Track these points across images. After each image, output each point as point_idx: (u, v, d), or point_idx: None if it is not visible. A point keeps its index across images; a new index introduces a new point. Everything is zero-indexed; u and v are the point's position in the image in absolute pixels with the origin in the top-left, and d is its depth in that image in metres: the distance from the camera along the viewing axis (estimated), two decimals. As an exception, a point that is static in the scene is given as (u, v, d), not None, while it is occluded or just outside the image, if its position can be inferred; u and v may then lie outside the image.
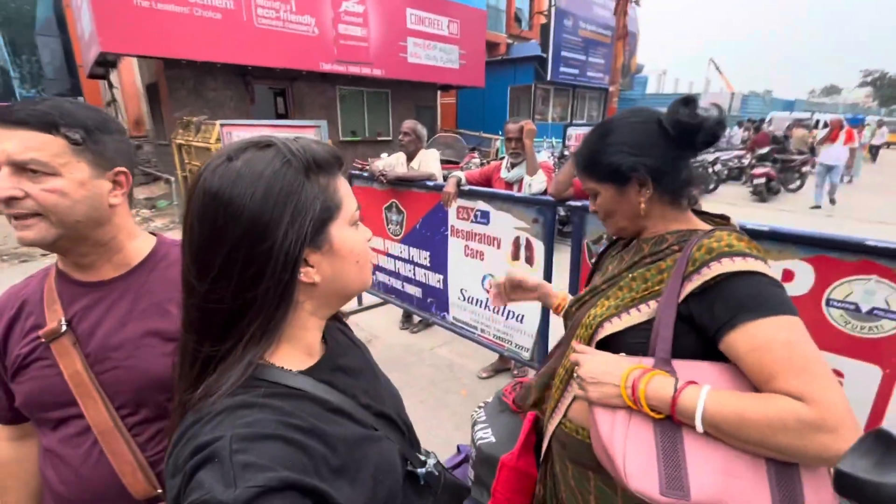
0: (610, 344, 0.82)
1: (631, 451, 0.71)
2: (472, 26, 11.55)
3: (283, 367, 0.52)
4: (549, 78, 13.83)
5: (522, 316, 2.57)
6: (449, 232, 2.83)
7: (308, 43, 8.68)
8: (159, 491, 0.76)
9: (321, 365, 0.57)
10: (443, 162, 3.75)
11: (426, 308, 3.18)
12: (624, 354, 0.79)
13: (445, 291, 2.99)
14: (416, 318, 3.67)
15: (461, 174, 2.76)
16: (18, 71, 12.06)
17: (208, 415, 0.45)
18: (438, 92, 13.07)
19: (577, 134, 8.93)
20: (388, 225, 3.30)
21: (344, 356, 0.62)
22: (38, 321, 0.76)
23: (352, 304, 3.94)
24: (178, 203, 7.97)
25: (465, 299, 2.88)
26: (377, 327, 3.73)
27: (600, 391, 0.76)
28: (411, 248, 3.17)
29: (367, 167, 3.41)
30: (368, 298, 3.91)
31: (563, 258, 2.35)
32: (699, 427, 0.67)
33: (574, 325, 0.98)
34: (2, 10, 10.89)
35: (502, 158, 3.05)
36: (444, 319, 3.05)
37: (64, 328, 0.74)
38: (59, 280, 0.79)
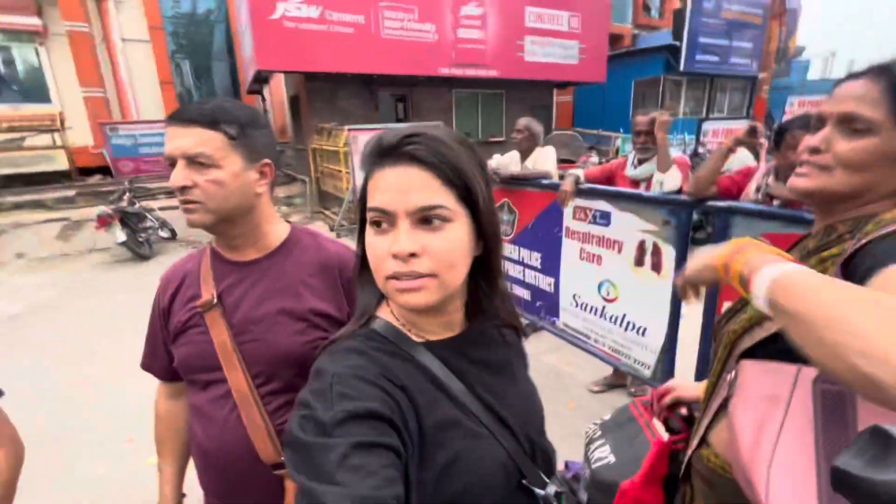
0: (759, 356, 0.69)
1: (780, 467, 0.56)
2: (594, 19, 10.94)
3: (409, 330, 0.59)
4: (682, 68, 12.48)
5: (644, 329, 2.31)
6: (563, 233, 2.67)
7: (428, 49, 9.05)
8: (283, 458, 0.81)
9: (448, 342, 0.61)
10: (558, 161, 3.59)
11: (534, 311, 3.06)
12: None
13: (556, 295, 2.84)
14: (524, 321, 3.56)
15: (579, 172, 2.59)
16: (198, 92, 14.62)
17: (331, 352, 0.56)
18: (554, 90, 12.66)
19: (713, 129, 7.91)
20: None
21: (480, 347, 0.63)
22: (195, 292, 0.87)
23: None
24: (311, 200, 8.93)
25: (577, 305, 2.70)
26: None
27: (694, 264, 0.70)
28: (522, 249, 3.08)
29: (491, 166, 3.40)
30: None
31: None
32: (760, 286, 0.50)
33: (718, 343, 0.83)
34: (190, 42, 13.31)
35: (624, 157, 2.81)
36: (554, 325, 2.90)
37: (215, 301, 0.84)
38: (213, 258, 0.89)
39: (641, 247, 2.23)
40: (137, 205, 6.52)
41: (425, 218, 0.51)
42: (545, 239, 2.84)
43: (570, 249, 2.66)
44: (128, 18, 11.54)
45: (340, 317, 0.89)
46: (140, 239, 6.24)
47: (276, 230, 0.91)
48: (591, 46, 11.11)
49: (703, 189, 1.85)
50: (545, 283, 2.92)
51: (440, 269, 0.52)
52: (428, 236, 0.51)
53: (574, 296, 2.70)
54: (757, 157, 2.40)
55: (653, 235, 2.16)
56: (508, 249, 3.19)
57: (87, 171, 10.42)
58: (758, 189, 1.86)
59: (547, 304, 2.93)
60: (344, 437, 0.44)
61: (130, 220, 6.18)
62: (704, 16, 12.29)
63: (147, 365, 0.98)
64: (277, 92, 12.77)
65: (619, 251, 2.35)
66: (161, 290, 0.92)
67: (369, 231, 0.54)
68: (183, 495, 1.00)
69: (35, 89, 10.92)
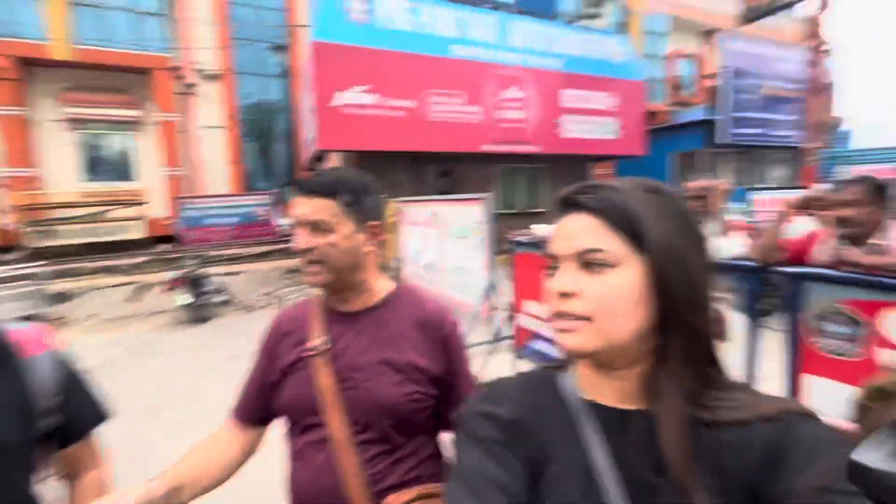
0: None
1: None
2: (630, 98, 11.49)
3: (580, 386, 0.58)
4: (720, 141, 12.64)
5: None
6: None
7: (472, 128, 9.70)
8: None
9: (613, 412, 0.54)
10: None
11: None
12: None
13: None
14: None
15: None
16: (259, 169, 16.11)
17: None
18: (594, 164, 13.02)
19: (760, 199, 7.77)
20: (549, 291, 3.26)
21: (646, 435, 0.51)
22: (302, 337, 0.94)
23: (504, 371, 3.89)
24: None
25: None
26: (534, 398, 3.57)
27: None
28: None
29: (526, 233, 3.50)
30: (526, 366, 3.81)
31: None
32: None
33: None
34: (256, 128, 14.99)
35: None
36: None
37: (323, 347, 0.90)
38: (323, 308, 0.97)
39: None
40: (201, 271, 7.01)
41: (586, 262, 0.50)
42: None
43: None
44: (208, 109, 13.21)
45: (437, 372, 0.92)
46: (201, 303, 6.63)
47: (380, 285, 0.99)
48: (629, 123, 11.55)
49: (770, 254, 1.82)
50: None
51: (595, 314, 0.49)
52: (587, 279, 0.50)
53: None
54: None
55: (717, 303, 2.11)
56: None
57: (158, 240, 11.40)
58: (830, 253, 1.82)
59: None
60: None
61: (195, 285, 6.62)
62: (739, 92, 12.63)
63: (234, 407, 1.02)
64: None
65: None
66: (272, 331, 1.00)
67: (548, 277, 0.54)
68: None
69: (124, 169, 12.42)
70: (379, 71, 8.66)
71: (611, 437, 0.52)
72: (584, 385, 0.56)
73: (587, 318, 0.50)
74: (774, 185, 13.48)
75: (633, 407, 0.53)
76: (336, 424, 0.86)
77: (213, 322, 6.62)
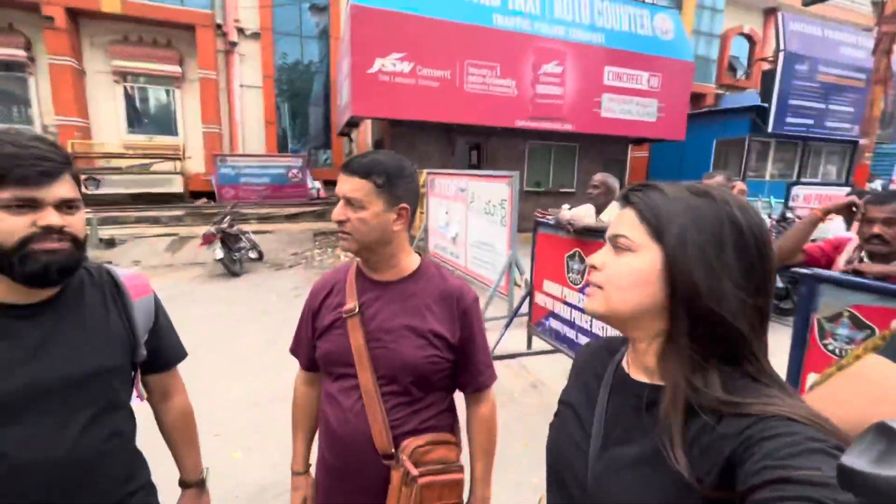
0: None
1: None
2: (675, 79, 10.97)
3: (626, 360, 0.68)
4: (770, 129, 11.99)
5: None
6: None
7: (506, 102, 9.54)
8: (394, 450, 0.99)
9: (622, 375, 0.67)
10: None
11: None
12: None
13: (624, 349, 2.82)
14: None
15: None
16: (293, 131, 16.32)
17: None
18: (630, 146, 12.63)
19: (805, 194, 7.45)
20: (568, 273, 3.32)
21: (628, 398, 0.63)
22: (341, 300, 1.08)
23: (520, 346, 4.01)
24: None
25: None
26: (544, 373, 3.70)
27: None
28: (590, 299, 3.11)
29: (553, 215, 3.54)
30: (538, 343, 3.92)
31: (775, 338, 2.00)
32: None
33: None
34: (290, 88, 15.09)
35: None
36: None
37: (357, 310, 1.04)
38: (358, 275, 1.11)
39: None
40: (236, 227, 7.32)
41: (615, 245, 0.61)
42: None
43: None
44: (248, 68, 13.38)
45: (454, 341, 1.05)
46: (234, 258, 6.97)
47: (410, 260, 1.10)
48: (671, 105, 11.08)
49: (787, 256, 1.83)
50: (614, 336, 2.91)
51: (605, 284, 0.61)
52: (612, 257, 0.61)
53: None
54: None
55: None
56: (577, 298, 3.23)
57: (196, 195, 11.88)
58: (848, 261, 1.81)
59: (613, 357, 2.91)
60: None
61: (229, 241, 6.94)
62: (797, 78, 11.87)
63: (294, 350, 1.20)
64: (363, 135, 13.93)
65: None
66: (313, 294, 1.14)
67: None
68: (309, 465, 1.20)
69: (165, 124, 12.84)
70: (417, 38, 8.56)
71: (616, 398, 0.64)
72: (629, 360, 0.66)
73: (600, 287, 0.61)
74: (819, 181, 12.82)
75: (652, 382, 0.61)
76: (365, 376, 1.00)
77: (245, 277, 6.97)
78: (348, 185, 0.99)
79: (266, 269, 7.50)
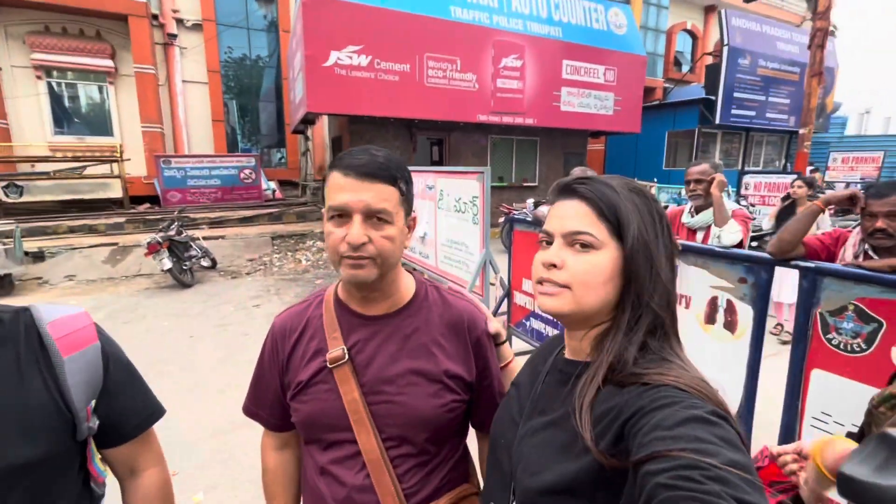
0: None
1: None
2: (629, 73, 11.22)
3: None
4: (717, 121, 12.55)
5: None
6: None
7: (467, 96, 9.39)
8: None
9: (560, 360, 0.71)
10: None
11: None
12: None
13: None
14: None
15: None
16: (242, 129, 15.48)
17: None
18: (588, 139, 12.85)
19: (755, 182, 7.79)
20: (549, 271, 3.21)
21: (556, 375, 0.69)
22: (320, 345, 0.82)
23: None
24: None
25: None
26: (527, 376, 3.58)
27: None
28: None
29: (519, 210, 3.41)
30: (519, 344, 3.80)
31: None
32: None
33: (876, 425, 0.76)
34: (238, 84, 14.27)
35: (681, 206, 2.79)
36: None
37: (346, 357, 0.79)
38: (339, 308, 0.85)
39: (713, 304, 2.14)
40: (184, 234, 6.77)
41: (574, 242, 0.61)
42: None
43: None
44: (190, 62, 12.49)
45: (471, 378, 0.85)
46: (184, 267, 6.43)
47: (406, 284, 0.87)
48: (627, 98, 11.33)
49: (788, 249, 1.77)
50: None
51: (574, 284, 0.60)
52: (571, 255, 0.60)
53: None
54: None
55: (727, 293, 2.07)
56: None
57: (138, 200, 10.98)
58: (855, 256, 1.77)
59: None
60: None
61: (177, 249, 6.40)
62: (740, 72, 12.46)
63: (252, 413, 0.93)
64: (320, 132, 13.38)
65: (687, 306, 2.26)
66: (278, 337, 0.87)
67: (541, 249, 0.66)
68: None
69: (99, 123, 11.78)
70: (374, 30, 8.23)
71: (551, 377, 0.68)
72: (566, 344, 0.70)
73: (567, 287, 0.60)
74: (764, 169, 13.59)
75: (581, 359, 0.65)
76: (368, 440, 0.78)
77: (198, 287, 6.45)
78: (370, 193, 0.72)
79: (221, 278, 7.00)
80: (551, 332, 3.24)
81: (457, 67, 9.14)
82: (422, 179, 5.69)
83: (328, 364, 0.79)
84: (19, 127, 10.70)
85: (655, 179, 11.28)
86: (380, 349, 0.81)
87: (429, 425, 0.80)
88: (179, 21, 12.16)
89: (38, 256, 7.35)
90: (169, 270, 6.16)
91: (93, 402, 0.73)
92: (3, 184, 9.44)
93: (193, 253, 6.69)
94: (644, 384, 0.54)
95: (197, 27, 12.49)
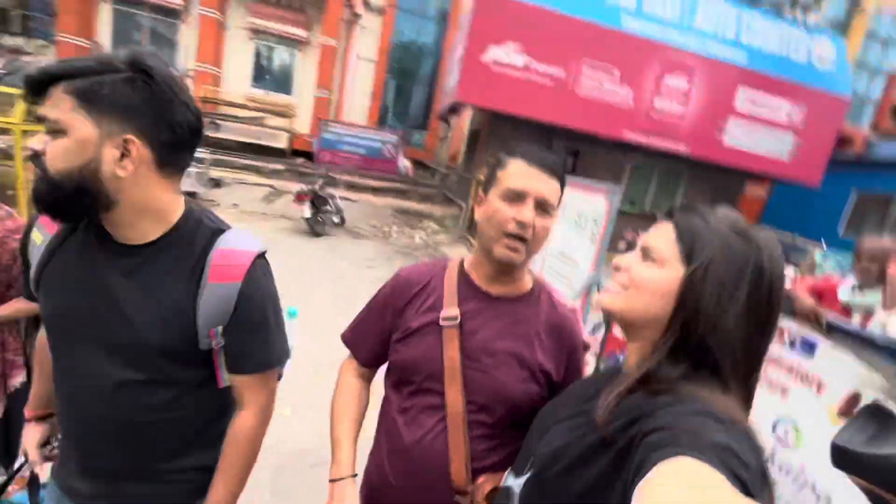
0: None
1: None
2: (822, 115, 9.57)
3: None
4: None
5: (830, 498, 1.84)
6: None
7: (618, 111, 8.93)
8: (470, 488, 0.84)
9: (615, 369, 0.80)
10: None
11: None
12: None
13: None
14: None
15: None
16: (395, 108, 16.73)
17: None
18: (747, 182, 11.34)
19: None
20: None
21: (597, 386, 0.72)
22: (436, 303, 0.92)
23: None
24: (461, 225, 9.40)
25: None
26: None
27: None
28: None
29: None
30: (606, 376, 3.59)
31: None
32: None
33: None
34: (399, 65, 15.43)
35: (838, 278, 2.37)
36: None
37: (458, 320, 0.88)
38: (461, 278, 0.94)
39: (854, 400, 1.79)
40: (326, 190, 7.64)
41: (645, 254, 0.65)
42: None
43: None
44: (366, 40, 13.87)
45: (557, 378, 0.90)
46: (319, 219, 7.28)
47: (527, 277, 0.96)
48: (811, 143, 9.71)
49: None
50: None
51: (631, 285, 0.65)
52: (638, 262, 0.66)
53: (736, 421, 2.30)
54: None
55: (877, 391, 1.72)
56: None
57: (297, 153, 12.64)
58: None
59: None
60: None
61: (317, 202, 7.26)
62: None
63: (348, 340, 1.06)
64: (462, 122, 13.90)
65: (819, 391, 1.92)
66: (402, 284, 0.97)
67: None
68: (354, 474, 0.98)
69: (283, 83, 13.74)
70: (537, 31, 8.24)
71: (601, 383, 0.69)
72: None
73: (625, 287, 0.66)
74: None
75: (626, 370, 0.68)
76: (455, 397, 0.86)
77: (326, 239, 7.26)
78: (547, 186, 0.84)
79: (345, 235, 7.77)
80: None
81: (615, 79, 8.73)
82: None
83: (441, 321, 0.88)
84: (228, 76, 12.99)
85: (823, 240, 9.53)
86: (488, 324, 0.89)
87: (509, 403, 0.86)
88: (367, 3, 13.53)
89: (217, 183, 8.93)
90: (307, 219, 7.04)
91: (220, 328, 0.82)
92: (209, 120, 11.60)
93: (329, 208, 7.53)
94: (675, 392, 0.57)
95: (380, 10, 13.77)
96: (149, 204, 0.76)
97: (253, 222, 7.57)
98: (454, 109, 11.16)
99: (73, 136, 0.67)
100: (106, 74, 0.68)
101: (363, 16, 13.57)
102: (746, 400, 0.61)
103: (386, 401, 0.98)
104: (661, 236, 0.65)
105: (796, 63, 9.35)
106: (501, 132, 9.68)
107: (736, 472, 0.43)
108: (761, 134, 9.52)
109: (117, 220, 0.76)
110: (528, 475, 0.69)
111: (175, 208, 0.82)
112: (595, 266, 4.30)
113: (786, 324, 2.12)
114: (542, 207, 0.84)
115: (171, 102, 0.73)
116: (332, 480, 0.91)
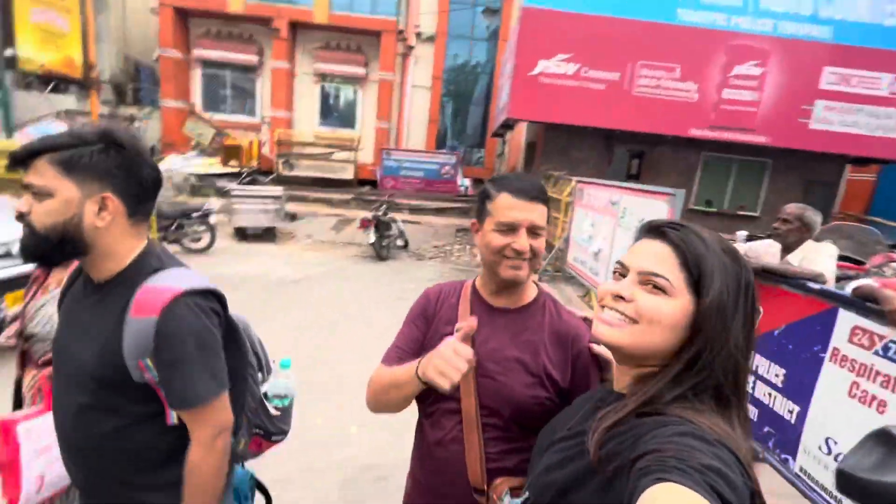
0: None
1: None
2: (934, 83, 8.33)
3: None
4: None
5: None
6: (828, 355, 2.08)
7: (682, 108, 8.45)
8: (486, 487, 0.92)
9: (608, 393, 0.76)
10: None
11: (758, 437, 2.45)
12: None
13: (797, 429, 2.21)
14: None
15: (870, 280, 1.99)
16: (452, 129, 17.14)
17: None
18: (847, 166, 10.08)
19: None
20: (731, 318, 2.75)
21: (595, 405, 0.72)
22: (453, 318, 1.03)
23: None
24: (522, 240, 9.34)
25: (829, 453, 2.04)
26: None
27: None
28: (757, 356, 2.52)
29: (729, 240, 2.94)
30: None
31: None
32: None
33: None
34: (454, 87, 15.86)
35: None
36: (785, 465, 2.26)
37: (470, 332, 0.97)
38: (473, 295, 1.06)
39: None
40: (389, 216, 8.00)
41: (647, 281, 0.61)
42: (796, 354, 2.26)
43: (834, 378, 2.05)
44: (420, 69, 14.50)
45: (564, 385, 0.95)
46: (383, 244, 7.63)
47: (530, 289, 1.04)
48: (922, 117, 8.46)
49: None
50: (784, 408, 2.31)
51: (641, 320, 0.60)
52: (642, 293, 0.61)
53: (828, 440, 2.06)
54: None
55: None
56: (738, 351, 2.66)
57: (362, 182, 13.39)
58: None
59: (781, 435, 2.31)
60: None
61: (381, 227, 7.62)
62: None
63: (385, 357, 1.08)
64: (517, 136, 13.91)
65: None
66: (433, 297, 1.10)
67: (612, 278, 0.67)
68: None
69: (347, 118, 14.71)
70: (586, 38, 8.13)
71: (594, 402, 0.71)
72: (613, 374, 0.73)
73: (634, 321, 0.61)
74: None
75: (619, 390, 0.67)
76: (469, 402, 0.95)
77: (390, 262, 7.58)
78: (536, 212, 0.94)
79: (408, 258, 8.04)
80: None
81: (675, 76, 8.32)
82: (606, 194, 5.44)
83: (456, 332, 0.97)
84: (299, 118, 14.20)
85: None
86: (494, 334, 0.98)
87: (517, 407, 0.93)
88: (418, 34, 14.18)
89: (293, 217, 9.72)
90: (372, 244, 7.41)
91: (147, 360, 0.85)
92: (283, 160, 12.72)
93: (392, 232, 7.86)
94: (664, 415, 0.57)
95: (430, 39, 14.36)
96: (114, 248, 0.89)
97: (325, 251, 8.13)
98: (507, 125, 11.23)
99: (59, 198, 0.82)
100: (81, 147, 0.83)
101: (416, 46, 14.22)
102: (743, 408, 0.61)
103: (419, 404, 1.07)
104: (663, 262, 0.61)
105: (892, 28, 8.26)
106: (557, 142, 9.56)
107: (723, 495, 0.43)
108: (858, 113, 8.48)
109: (88, 263, 0.90)
110: (524, 497, 0.70)
111: (132, 250, 0.91)
112: (661, 274, 4.08)
113: (876, 328, 1.89)
114: (533, 231, 0.94)
115: (138, 164, 0.89)
116: (416, 374, 0.89)
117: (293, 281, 6.00)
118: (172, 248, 6.75)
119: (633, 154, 10.44)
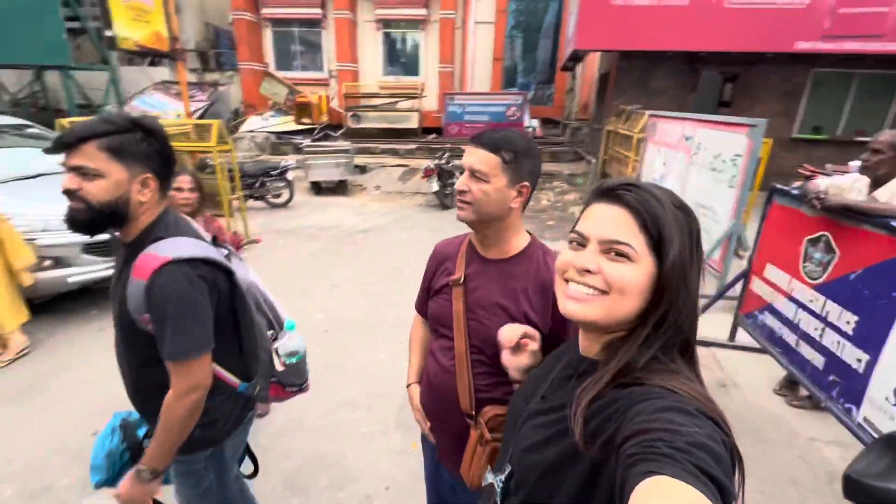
0: None
1: None
2: None
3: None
4: None
5: None
6: (906, 301, 1.88)
7: (786, 17, 7.20)
8: (474, 412, 1.09)
9: (577, 357, 0.75)
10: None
11: (822, 385, 2.32)
12: None
13: (865, 378, 2.07)
14: (803, 391, 2.74)
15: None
16: (522, 66, 16.19)
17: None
18: None
19: None
20: (804, 262, 2.53)
21: (563, 369, 0.75)
22: (451, 269, 1.19)
23: (718, 334, 3.36)
24: (592, 182, 8.89)
25: (898, 404, 1.90)
26: (740, 374, 3.07)
27: None
28: (829, 302, 2.33)
29: (802, 184, 2.63)
30: (743, 336, 3.20)
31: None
32: None
33: None
34: (521, 21, 14.76)
35: None
36: (848, 415, 2.14)
37: (462, 280, 1.14)
38: (469, 248, 1.19)
39: None
40: (451, 163, 8.02)
41: (609, 249, 0.61)
42: (871, 300, 2.06)
43: (911, 326, 1.86)
44: (483, 4, 13.65)
45: (544, 329, 1.04)
46: (446, 192, 7.74)
47: (518, 241, 1.12)
48: None
49: None
50: (852, 356, 2.15)
51: (611, 289, 0.60)
52: (607, 263, 0.61)
53: (896, 390, 1.91)
54: None
55: None
56: (809, 296, 2.47)
57: (427, 131, 13.37)
58: None
59: (845, 384, 2.17)
60: None
61: (443, 176, 7.70)
62: None
63: (416, 305, 1.38)
64: (590, 68, 12.83)
65: None
66: (435, 256, 1.27)
67: (566, 248, 0.67)
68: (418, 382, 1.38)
69: (411, 65, 14.49)
70: (667, -55, 7.08)
71: (564, 368, 0.73)
72: (579, 339, 0.73)
73: (604, 293, 0.61)
74: None
75: (590, 356, 0.68)
76: (460, 341, 1.12)
77: (452, 211, 7.69)
78: (475, 157, 1.02)
79: (472, 205, 8.09)
80: (787, 335, 2.62)
81: (778, -21, 7.03)
82: (679, 128, 4.98)
83: (450, 283, 1.15)
84: (364, 69, 14.27)
85: None
86: (484, 283, 1.11)
87: (496, 346, 1.03)
88: (479, -36, 13.23)
89: (362, 169, 10.10)
90: (435, 192, 7.55)
91: (147, 315, 1.02)
92: (351, 113, 13.05)
93: (454, 181, 7.91)
94: (642, 385, 0.57)
95: (493, -32, 13.34)
96: (142, 217, 1.06)
97: (392, 200, 8.45)
98: (576, 58, 10.38)
99: (111, 178, 0.98)
100: (124, 134, 0.99)
101: (478, -22, 13.34)
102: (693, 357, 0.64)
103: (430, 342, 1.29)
104: (623, 227, 0.60)
105: None
106: (631, 71, 8.70)
107: (711, 474, 0.43)
108: None
109: (124, 231, 1.08)
110: (507, 472, 0.71)
111: (150, 218, 1.08)
112: (734, 214, 3.76)
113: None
114: (474, 174, 1.02)
115: (168, 148, 1.06)
116: (407, 386, 1.35)
117: (362, 231, 6.40)
118: (257, 204, 7.47)
119: (726, 76, 9.20)
